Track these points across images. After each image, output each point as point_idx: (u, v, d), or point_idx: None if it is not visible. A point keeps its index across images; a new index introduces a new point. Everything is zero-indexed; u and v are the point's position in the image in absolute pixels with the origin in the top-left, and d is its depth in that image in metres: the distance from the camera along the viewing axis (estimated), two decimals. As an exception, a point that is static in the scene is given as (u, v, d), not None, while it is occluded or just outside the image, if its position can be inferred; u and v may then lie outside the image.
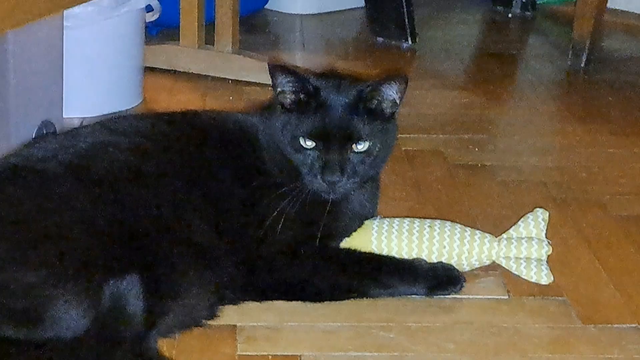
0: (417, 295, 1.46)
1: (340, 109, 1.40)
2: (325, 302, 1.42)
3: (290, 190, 1.40)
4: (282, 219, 1.39)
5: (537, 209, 1.56)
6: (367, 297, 1.44)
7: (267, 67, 1.42)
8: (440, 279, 1.46)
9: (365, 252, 1.48)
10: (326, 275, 1.42)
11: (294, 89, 1.41)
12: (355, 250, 1.47)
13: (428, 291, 1.45)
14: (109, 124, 1.39)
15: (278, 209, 1.39)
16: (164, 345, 1.28)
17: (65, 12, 1.79)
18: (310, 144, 1.40)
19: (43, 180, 1.26)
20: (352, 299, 1.43)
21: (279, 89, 1.42)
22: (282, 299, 1.42)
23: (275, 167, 1.44)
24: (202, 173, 1.38)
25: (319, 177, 1.39)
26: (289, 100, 1.42)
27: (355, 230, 1.51)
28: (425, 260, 1.48)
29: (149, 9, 2.14)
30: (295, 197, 1.40)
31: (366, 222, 1.53)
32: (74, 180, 1.27)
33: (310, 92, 1.41)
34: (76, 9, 1.89)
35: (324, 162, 1.39)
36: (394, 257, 1.49)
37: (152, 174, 1.32)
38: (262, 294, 1.41)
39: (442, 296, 1.46)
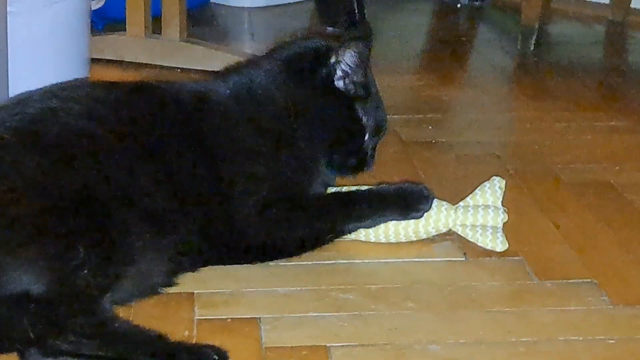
0: (393, 220, 1.46)
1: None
2: (284, 268, 1.42)
3: (266, 153, 1.40)
4: (254, 181, 1.39)
5: (494, 177, 1.56)
6: (344, 235, 1.45)
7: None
8: (410, 199, 1.46)
9: (332, 193, 1.48)
10: (300, 225, 1.41)
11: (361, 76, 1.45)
12: (321, 194, 1.47)
13: (401, 215, 1.45)
14: (59, 91, 1.36)
15: (250, 172, 1.38)
16: (120, 312, 1.25)
17: (8, -3, 1.77)
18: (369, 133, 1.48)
19: (-10, 147, 1.24)
20: (329, 242, 1.44)
21: (342, 69, 1.44)
22: (257, 261, 1.41)
23: (252, 131, 1.41)
24: (158, 138, 1.35)
25: (367, 158, 1.50)
26: (349, 85, 1.45)
27: None
28: (387, 184, 1.49)
29: (94, -4, 2.12)
30: (269, 160, 1.40)
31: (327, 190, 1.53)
32: (23, 145, 1.24)
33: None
34: (20, -5, 1.86)
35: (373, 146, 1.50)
36: (359, 190, 1.49)
37: (105, 138, 1.30)
38: (238, 257, 1.40)
39: (400, 259, 1.46)
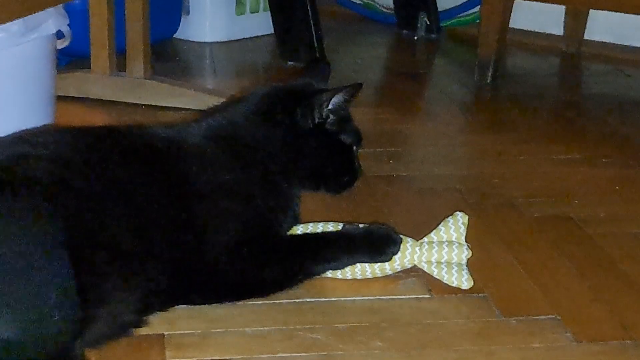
0: (361, 263, 1.50)
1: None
2: (252, 308, 1.43)
3: (239, 193, 1.42)
4: (226, 221, 1.40)
5: (457, 212, 1.58)
6: (313, 276, 1.48)
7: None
8: (378, 243, 1.49)
9: (302, 234, 1.52)
10: (271, 266, 1.43)
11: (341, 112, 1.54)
12: (291, 235, 1.51)
13: (369, 258, 1.49)
14: (27, 136, 1.37)
15: (222, 211, 1.40)
16: (91, 356, 1.26)
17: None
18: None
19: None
20: (299, 283, 1.47)
21: (331, 108, 1.52)
22: (227, 301, 1.43)
23: (225, 170, 1.44)
24: (127, 180, 1.36)
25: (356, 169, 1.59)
26: (332, 119, 1.53)
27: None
28: (357, 225, 1.52)
29: (59, 35, 2.12)
30: (242, 199, 1.42)
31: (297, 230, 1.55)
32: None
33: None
34: (-16, 36, 1.86)
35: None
36: (328, 232, 1.53)
37: (74, 181, 1.30)
38: (208, 297, 1.41)
39: (367, 297, 1.49)
